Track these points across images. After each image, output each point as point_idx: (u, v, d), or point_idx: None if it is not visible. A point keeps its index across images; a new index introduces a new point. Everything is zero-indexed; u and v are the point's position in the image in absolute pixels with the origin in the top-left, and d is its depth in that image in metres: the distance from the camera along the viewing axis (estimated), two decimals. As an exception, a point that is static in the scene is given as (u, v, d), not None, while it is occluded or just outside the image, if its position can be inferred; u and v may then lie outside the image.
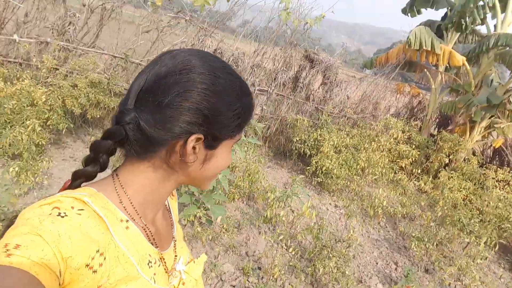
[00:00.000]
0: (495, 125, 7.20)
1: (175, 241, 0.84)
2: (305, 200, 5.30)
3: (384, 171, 5.91)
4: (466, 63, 7.60)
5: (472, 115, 7.17)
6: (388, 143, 6.27)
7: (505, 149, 7.41)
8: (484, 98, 7.10)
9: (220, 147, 0.71)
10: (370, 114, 7.79)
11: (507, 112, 7.28)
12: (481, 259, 4.29)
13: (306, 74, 7.19)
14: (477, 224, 4.56)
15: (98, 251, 0.61)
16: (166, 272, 0.76)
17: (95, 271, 0.60)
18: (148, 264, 0.71)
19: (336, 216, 5.24)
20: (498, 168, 6.29)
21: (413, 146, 6.73)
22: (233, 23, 8.00)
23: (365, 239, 4.84)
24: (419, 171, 6.71)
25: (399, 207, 5.32)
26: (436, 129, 8.04)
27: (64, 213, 0.59)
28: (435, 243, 4.56)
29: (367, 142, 6.27)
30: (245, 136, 4.34)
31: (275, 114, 7.12)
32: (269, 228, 4.47)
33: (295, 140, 6.34)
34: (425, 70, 8.26)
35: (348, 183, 5.79)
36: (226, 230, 3.84)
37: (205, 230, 3.74)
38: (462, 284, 4.29)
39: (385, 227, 5.33)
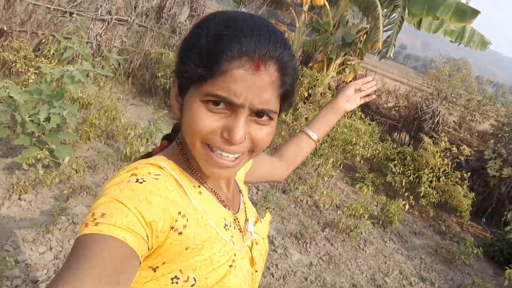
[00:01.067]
0: (348, 62, 7.93)
1: (244, 203, 0.83)
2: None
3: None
4: (326, 3, 8.03)
5: (329, 53, 7.75)
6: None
7: (354, 83, 8.30)
8: (340, 37, 7.70)
9: (187, 96, 0.63)
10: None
11: (358, 50, 8.05)
12: (328, 177, 4.85)
13: (171, 5, 6.70)
14: (326, 148, 5.09)
15: (179, 213, 0.61)
16: (240, 233, 0.76)
17: (180, 233, 0.60)
18: (224, 227, 0.71)
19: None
20: (348, 100, 7.02)
21: (278, 81, 7.01)
22: None
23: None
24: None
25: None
26: (300, 66, 8.51)
27: (142, 179, 0.59)
28: (292, 168, 4.96)
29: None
30: (93, 67, 3.86)
31: (137, 47, 6.57)
32: (130, 165, 4.24)
33: (160, 75, 5.99)
34: (291, 8, 8.50)
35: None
36: (76, 171, 3.49)
37: (50, 173, 3.33)
38: (312, 199, 4.82)
39: (250, 158, 5.58)
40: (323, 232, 4.24)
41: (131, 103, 6.03)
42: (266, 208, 4.06)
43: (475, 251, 4.50)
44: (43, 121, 3.30)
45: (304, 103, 7.10)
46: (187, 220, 0.61)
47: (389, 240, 4.66)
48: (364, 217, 4.50)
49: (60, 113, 3.39)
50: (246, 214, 0.81)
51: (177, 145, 0.71)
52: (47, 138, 3.39)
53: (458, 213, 5.74)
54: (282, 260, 3.44)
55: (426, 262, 4.46)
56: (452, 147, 5.85)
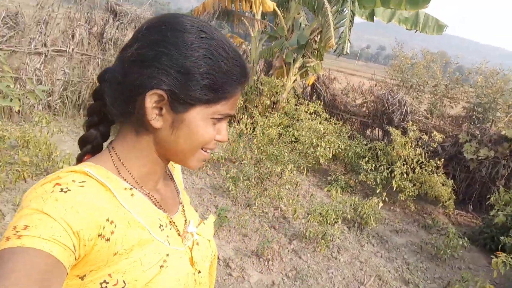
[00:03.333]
0: (307, 65, 7.68)
1: (183, 205, 0.82)
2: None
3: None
4: (277, 8, 7.84)
5: (285, 57, 7.50)
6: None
7: (318, 85, 8.05)
8: (295, 40, 7.47)
9: (190, 113, 0.65)
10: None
11: (316, 51, 7.83)
12: (291, 184, 4.46)
13: (112, 29, 6.39)
14: (286, 154, 4.72)
15: (107, 219, 0.59)
16: (178, 235, 0.74)
17: (108, 240, 0.59)
18: (159, 227, 0.69)
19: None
20: (310, 102, 6.74)
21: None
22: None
23: (188, 190, 4.59)
24: (246, 116, 6.75)
25: (221, 152, 5.21)
26: (261, 75, 8.24)
27: (67, 187, 0.57)
28: (253, 179, 4.57)
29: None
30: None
31: (83, 77, 6.21)
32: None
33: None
34: (243, 18, 8.29)
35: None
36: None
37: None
38: (279, 210, 4.42)
39: (213, 175, 5.18)
40: (291, 244, 3.82)
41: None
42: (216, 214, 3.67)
43: (460, 242, 4.12)
44: None
45: (268, 112, 6.79)
46: (115, 226, 0.60)
47: (367, 243, 4.26)
48: (337, 221, 4.11)
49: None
50: (185, 216, 0.80)
51: (108, 152, 0.69)
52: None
53: (441, 204, 5.39)
54: (238, 284, 3.00)
55: (410, 262, 4.06)
56: (423, 135, 5.55)
